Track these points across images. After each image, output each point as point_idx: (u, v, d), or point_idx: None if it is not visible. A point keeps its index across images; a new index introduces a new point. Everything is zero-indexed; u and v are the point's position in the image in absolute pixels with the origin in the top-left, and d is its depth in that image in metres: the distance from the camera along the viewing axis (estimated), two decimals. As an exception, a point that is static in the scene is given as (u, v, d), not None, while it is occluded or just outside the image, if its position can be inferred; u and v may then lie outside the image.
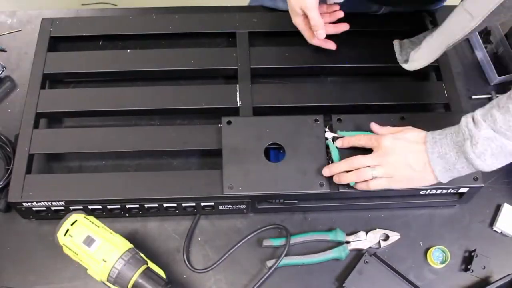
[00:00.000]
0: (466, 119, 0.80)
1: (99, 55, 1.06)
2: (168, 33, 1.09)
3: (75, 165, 1.00)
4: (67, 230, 0.83)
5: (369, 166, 0.86)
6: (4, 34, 1.14)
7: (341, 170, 0.89)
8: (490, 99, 1.10)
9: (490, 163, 0.78)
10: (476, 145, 0.77)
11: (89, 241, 0.82)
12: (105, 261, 0.81)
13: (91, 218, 0.85)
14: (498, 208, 0.99)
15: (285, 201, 0.94)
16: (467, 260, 0.94)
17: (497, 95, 1.09)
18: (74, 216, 0.84)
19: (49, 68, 1.03)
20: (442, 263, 0.93)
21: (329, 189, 0.90)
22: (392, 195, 0.96)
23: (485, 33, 1.16)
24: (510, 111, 0.74)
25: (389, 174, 0.86)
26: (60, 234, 0.83)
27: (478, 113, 0.79)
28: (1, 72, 1.08)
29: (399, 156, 0.85)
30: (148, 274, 0.83)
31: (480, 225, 0.98)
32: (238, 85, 1.02)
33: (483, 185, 0.92)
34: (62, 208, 0.92)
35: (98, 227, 0.84)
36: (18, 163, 0.93)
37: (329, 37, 1.02)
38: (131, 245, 0.85)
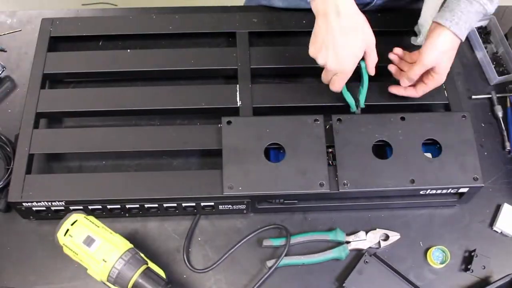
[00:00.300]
0: None
1: (99, 55, 1.06)
2: (168, 33, 1.09)
3: (75, 165, 1.00)
4: (67, 230, 0.83)
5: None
6: (4, 34, 1.14)
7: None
8: (490, 99, 1.10)
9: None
10: (493, 3, 0.90)
11: (89, 241, 0.82)
12: (105, 261, 0.81)
13: (91, 218, 0.85)
14: (498, 208, 0.99)
15: (285, 201, 0.94)
16: (467, 260, 0.94)
17: (497, 95, 1.09)
18: (74, 216, 0.84)
19: (49, 68, 1.03)
20: (442, 263, 0.93)
21: (329, 189, 0.90)
22: (392, 195, 0.96)
23: (485, 33, 1.16)
24: None
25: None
26: (60, 234, 0.83)
27: None
28: (1, 72, 1.08)
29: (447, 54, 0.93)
30: (148, 274, 0.83)
31: (480, 225, 0.98)
32: (238, 85, 1.02)
33: (483, 185, 0.92)
34: (62, 208, 0.92)
35: (98, 227, 0.84)
36: (18, 163, 0.93)
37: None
38: (131, 245, 0.85)
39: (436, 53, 0.91)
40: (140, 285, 0.82)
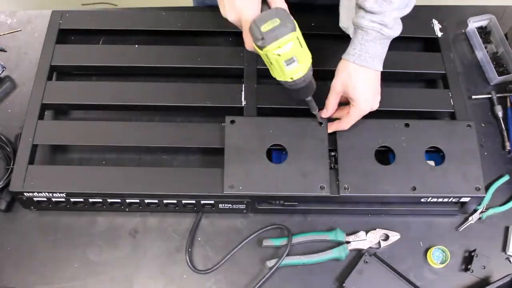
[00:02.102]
0: (361, 19, 0.87)
1: (107, 49, 1.06)
2: (176, 30, 1.09)
3: (78, 158, 1.00)
4: (279, 47, 0.76)
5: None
6: (4, 34, 1.14)
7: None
8: (490, 99, 1.10)
9: (400, 27, 0.89)
10: (393, 27, 0.87)
11: (290, 62, 0.78)
12: (292, 79, 0.81)
13: (300, 35, 0.78)
14: (507, 231, 0.98)
15: (285, 203, 0.94)
16: (467, 260, 0.94)
17: (497, 95, 1.09)
18: (291, 37, 0.76)
19: (56, 60, 1.03)
20: (442, 263, 0.93)
21: (330, 193, 0.90)
22: (393, 201, 0.95)
23: (485, 33, 1.16)
24: None
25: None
26: (271, 47, 0.76)
27: (368, 4, 0.85)
28: (1, 72, 1.08)
29: (367, 89, 0.91)
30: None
31: (480, 225, 0.98)
32: (243, 85, 1.01)
33: (484, 195, 0.92)
34: (63, 200, 0.92)
35: (302, 47, 0.79)
36: (22, 153, 0.93)
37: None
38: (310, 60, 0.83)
39: (341, 81, 0.91)
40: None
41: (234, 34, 1.11)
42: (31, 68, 1.06)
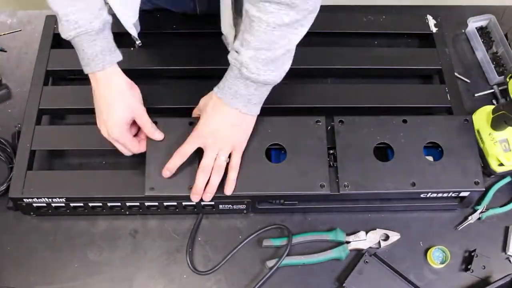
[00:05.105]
0: (230, 55, 0.85)
1: None
2: (172, 32, 1.09)
3: (77, 162, 1.00)
4: None
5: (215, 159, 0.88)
6: (4, 34, 1.14)
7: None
8: (493, 94, 1.10)
9: (272, 73, 0.84)
10: (248, 66, 0.82)
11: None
12: None
13: None
14: (507, 231, 0.98)
15: (286, 202, 0.94)
16: (467, 260, 0.94)
17: (499, 88, 1.09)
18: None
19: (52, 65, 1.03)
20: (442, 263, 0.93)
21: (330, 191, 0.90)
22: (393, 197, 0.95)
23: (485, 33, 1.16)
24: (254, 28, 0.80)
25: (228, 146, 0.89)
26: None
27: (236, 43, 0.84)
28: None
29: (220, 127, 0.88)
30: None
31: (480, 225, 0.98)
32: None
33: (483, 189, 0.92)
34: (63, 204, 0.92)
35: None
36: (20, 159, 0.93)
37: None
38: None
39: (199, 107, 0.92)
40: None
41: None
42: (31, 68, 1.06)
